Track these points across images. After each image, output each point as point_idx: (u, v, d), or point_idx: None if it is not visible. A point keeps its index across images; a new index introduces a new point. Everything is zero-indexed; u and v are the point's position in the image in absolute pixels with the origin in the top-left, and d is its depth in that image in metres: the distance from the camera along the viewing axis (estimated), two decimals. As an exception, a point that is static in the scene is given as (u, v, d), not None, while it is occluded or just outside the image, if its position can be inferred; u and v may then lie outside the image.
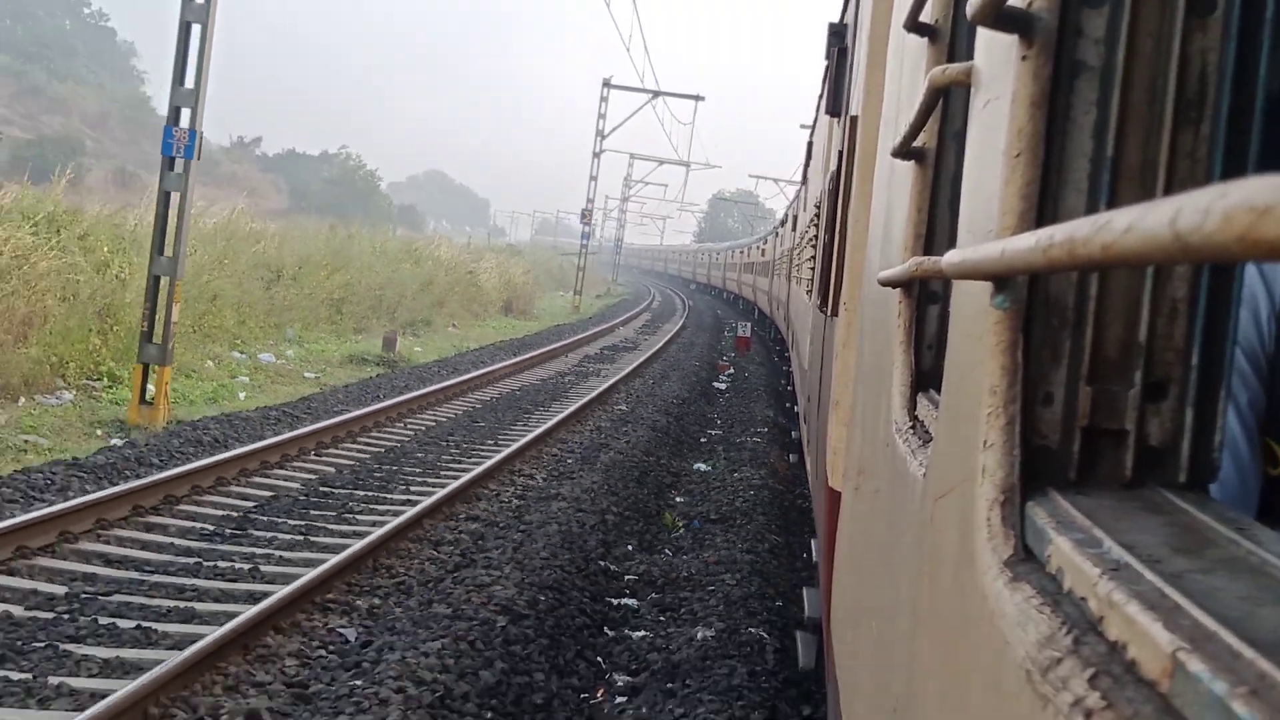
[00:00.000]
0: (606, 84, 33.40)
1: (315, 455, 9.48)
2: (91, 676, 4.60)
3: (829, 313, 4.56)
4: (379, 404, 11.86)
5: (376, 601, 5.92)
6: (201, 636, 4.86)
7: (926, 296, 1.66)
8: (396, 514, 7.50)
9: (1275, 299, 1.21)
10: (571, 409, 12.77)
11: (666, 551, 7.81)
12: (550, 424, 11.56)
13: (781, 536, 8.22)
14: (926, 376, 1.59)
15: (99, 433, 9.91)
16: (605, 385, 15.49)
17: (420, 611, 5.67)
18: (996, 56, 0.94)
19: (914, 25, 1.64)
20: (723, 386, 18.16)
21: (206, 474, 7.95)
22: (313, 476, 8.73)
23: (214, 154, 78.43)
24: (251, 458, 8.64)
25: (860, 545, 2.12)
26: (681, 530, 8.41)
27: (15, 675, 4.49)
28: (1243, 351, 1.17)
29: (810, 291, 7.90)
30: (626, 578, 7.02)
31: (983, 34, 1.02)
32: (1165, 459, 0.81)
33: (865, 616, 1.83)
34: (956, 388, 1.03)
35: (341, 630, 5.42)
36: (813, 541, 6.06)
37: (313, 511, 7.71)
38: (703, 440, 12.54)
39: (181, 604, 5.57)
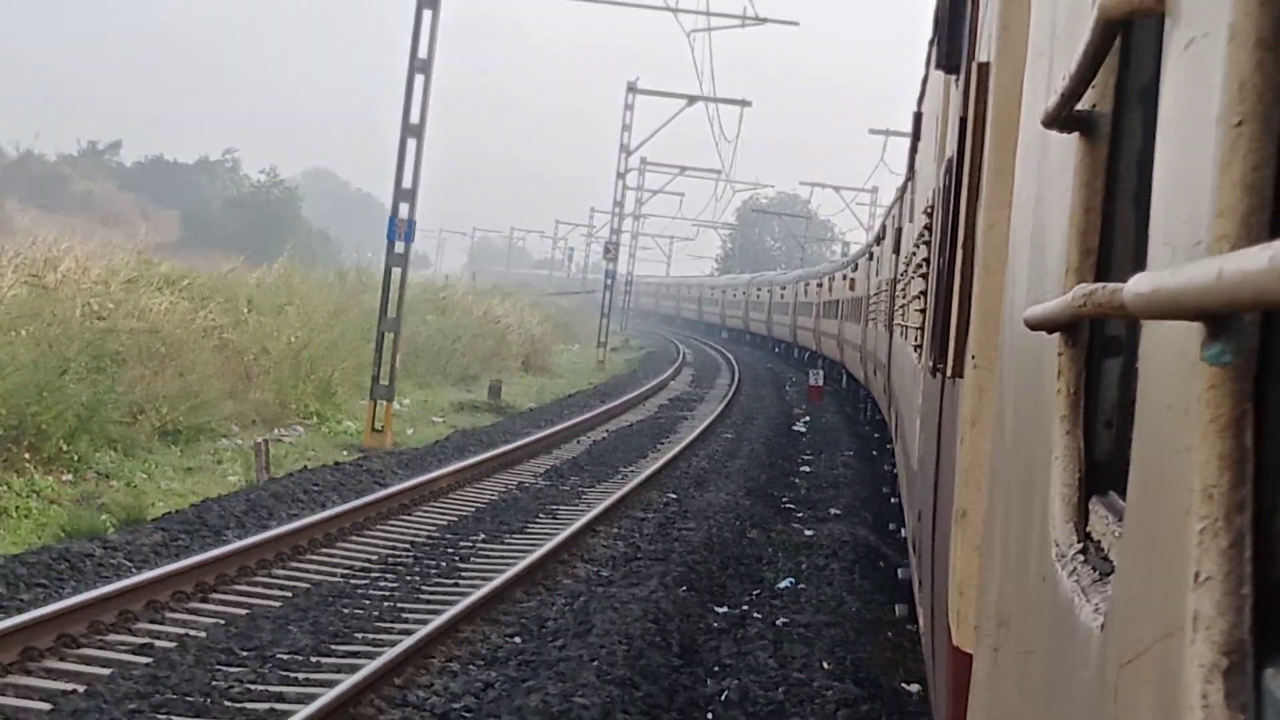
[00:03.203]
0: (632, 88, 30.35)
1: (524, 463, 15.26)
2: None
3: (946, 373, 4.10)
4: (542, 432, 17.72)
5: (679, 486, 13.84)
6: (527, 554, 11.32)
7: (1104, 346, 1.42)
8: (627, 481, 13.71)
9: None
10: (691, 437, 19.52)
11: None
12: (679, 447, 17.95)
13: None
14: (1104, 471, 1.34)
15: (344, 453, 15.73)
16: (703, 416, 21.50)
17: (701, 492, 13.32)
18: None
19: None
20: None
21: (451, 477, 13.37)
22: (543, 471, 14.87)
23: (57, 168, 69.33)
24: (484, 463, 14.33)
25: None
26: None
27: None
28: None
29: (919, 347, 7.07)
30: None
31: None
32: None
33: None
34: (1151, 489, 0.89)
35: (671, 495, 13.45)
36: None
37: (573, 479, 14.08)
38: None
39: (494, 544, 11.13)
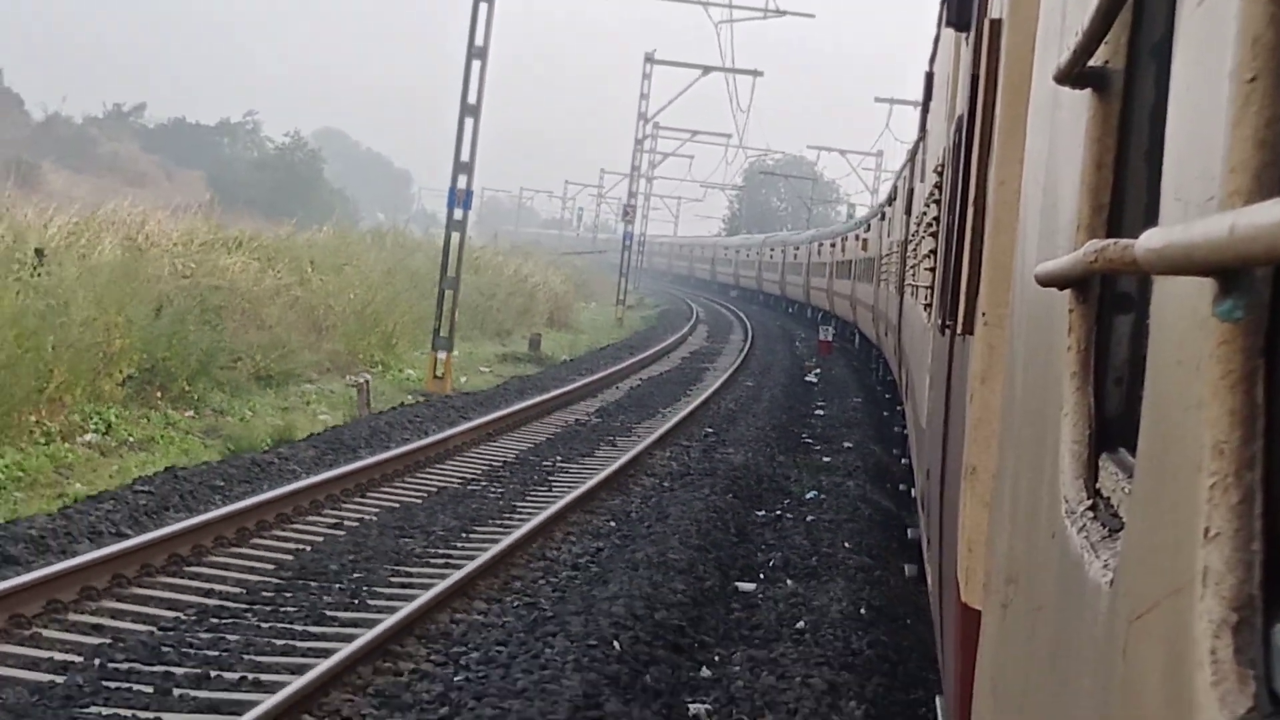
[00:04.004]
0: (649, 59, 32.40)
1: (577, 404, 17.53)
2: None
3: (956, 330, 4.14)
4: (584, 380, 20.00)
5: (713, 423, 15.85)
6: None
7: (1114, 302, 1.40)
8: (669, 418, 15.73)
9: None
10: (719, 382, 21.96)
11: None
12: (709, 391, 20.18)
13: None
14: (1114, 428, 1.33)
15: (408, 397, 17.97)
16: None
17: (733, 427, 15.63)
18: None
19: None
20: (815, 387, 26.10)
21: (518, 414, 15.74)
22: (594, 410, 17.02)
23: (84, 129, 70.42)
24: (544, 403, 16.67)
25: (1013, 691, 1.78)
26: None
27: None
28: None
29: (929, 306, 7.28)
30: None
31: None
32: None
33: None
34: (1161, 446, 0.87)
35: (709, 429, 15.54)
36: (937, 699, 5.44)
37: (621, 416, 16.32)
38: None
39: (571, 464, 13.79)
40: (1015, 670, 1.72)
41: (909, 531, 9.63)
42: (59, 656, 6.50)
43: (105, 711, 5.85)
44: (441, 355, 19.47)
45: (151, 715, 5.86)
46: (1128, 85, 1.35)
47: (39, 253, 15.71)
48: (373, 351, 21.62)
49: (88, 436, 12.80)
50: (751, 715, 6.61)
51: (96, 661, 6.54)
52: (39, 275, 14.69)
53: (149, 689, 6.22)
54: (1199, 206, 0.76)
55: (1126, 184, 1.35)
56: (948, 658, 3.90)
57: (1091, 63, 1.35)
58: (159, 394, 14.80)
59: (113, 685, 6.25)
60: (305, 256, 24.27)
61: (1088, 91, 1.40)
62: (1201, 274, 0.70)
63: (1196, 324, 0.73)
